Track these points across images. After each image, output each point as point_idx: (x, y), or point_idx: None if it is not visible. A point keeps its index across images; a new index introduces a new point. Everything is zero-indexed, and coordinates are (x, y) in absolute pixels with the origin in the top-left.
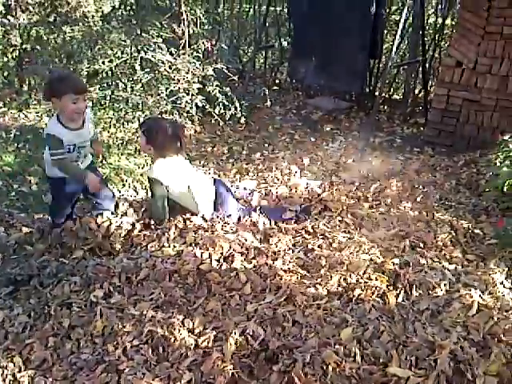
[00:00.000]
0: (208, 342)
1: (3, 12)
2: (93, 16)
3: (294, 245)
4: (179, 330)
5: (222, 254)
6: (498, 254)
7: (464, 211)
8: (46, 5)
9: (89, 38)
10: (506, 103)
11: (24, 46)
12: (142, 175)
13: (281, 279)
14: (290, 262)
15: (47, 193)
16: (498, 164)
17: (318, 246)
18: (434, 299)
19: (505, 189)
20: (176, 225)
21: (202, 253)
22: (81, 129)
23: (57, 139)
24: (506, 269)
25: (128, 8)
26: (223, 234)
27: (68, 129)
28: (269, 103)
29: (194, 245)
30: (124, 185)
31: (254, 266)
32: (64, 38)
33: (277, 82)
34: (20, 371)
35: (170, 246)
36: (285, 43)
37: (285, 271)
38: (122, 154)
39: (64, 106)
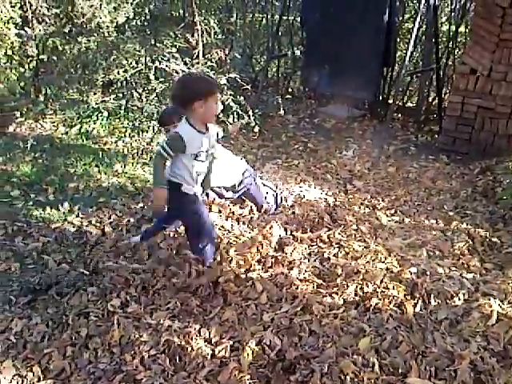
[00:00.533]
0: (225, 352)
1: (20, 23)
2: (107, 26)
3: (309, 254)
4: (196, 340)
5: (237, 262)
6: None
7: (481, 219)
8: (62, 16)
9: (104, 49)
10: None
11: (40, 57)
12: None
13: (297, 288)
14: (305, 271)
15: (64, 202)
16: None
17: (334, 255)
18: (453, 308)
19: None
20: None
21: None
22: (207, 132)
23: (181, 141)
24: None
25: (142, 18)
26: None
27: (201, 133)
28: (282, 112)
29: None
30: (139, 193)
31: (270, 276)
32: (79, 48)
33: (290, 90)
34: (39, 381)
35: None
36: (297, 52)
37: (301, 280)
38: (137, 163)
39: (209, 107)
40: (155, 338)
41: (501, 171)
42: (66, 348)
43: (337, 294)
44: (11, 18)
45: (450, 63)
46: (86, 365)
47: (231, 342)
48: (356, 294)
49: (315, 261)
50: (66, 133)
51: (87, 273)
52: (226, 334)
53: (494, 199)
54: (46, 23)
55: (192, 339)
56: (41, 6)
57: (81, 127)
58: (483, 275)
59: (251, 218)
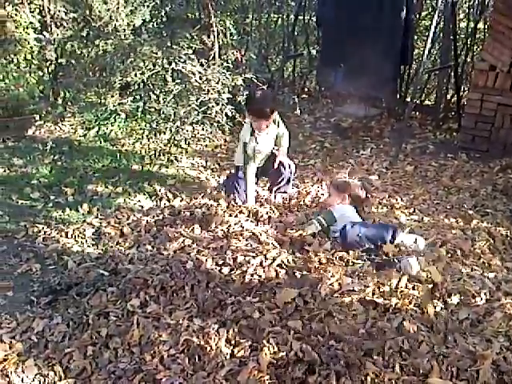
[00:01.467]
0: (244, 352)
1: (39, 28)
2: (124, 29)
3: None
4: (215, 340)
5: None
6: None
7: (501, 218)
8: (80, 20)
9: (121, 51)
10: None
11: (59, 61)
12: (174, 185)
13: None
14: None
15: (83, 203)
16: None
17: None
18: (474, 308)
19: None
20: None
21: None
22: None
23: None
24: None
25: (158, 21)
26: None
27: None
28: (298, 111)
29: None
30: (157, 194)
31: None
32: (97, 51)
33: (306, 90)
34: (60, 380)
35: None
36: (313, 51)
37: None
38: (154, 165)
39: None
40: (174, 337)
41: None
42: (86, 348)
43: (356, 294)
44: (30, 23)
45: (469, 60)
46: (106, 364)
47: (250, 343)
48: (375, 294)
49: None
50: (85, 135)
51: (107, 273)
52: (245, 334)
53: None
54: (64, 27)
55: (211, 339)
56: (59, 11)
57: (99, 129)
58: (505, 274)
59: (269, 217)
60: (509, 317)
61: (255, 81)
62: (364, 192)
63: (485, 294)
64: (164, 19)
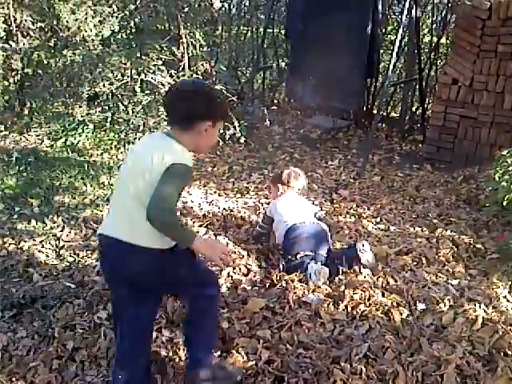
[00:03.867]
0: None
1: (4, 37)
2: (93, 40)
3: None
4: (184, 350)
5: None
6: (500, 269)
7: (465, 226)
8: (47, 29)
9: (89, 62)
10: (502, 119)
11: (25, 71)
12: None
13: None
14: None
15: (49, 215)
16: (497, 179)
17: None
18: (439, 314)
19: (504, 203)
20: None
21: None
22: None
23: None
24: (510, 283)
25: (127, 32)
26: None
27: None
28: (268, 123)
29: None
30: None
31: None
32: (65, 61)
33: (275, 101)
34: None
35: None
36: (282, 64)
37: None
38: None
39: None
40: None
41: (483, 179)
42: (52, 361)
43: (324, 302)
44: None
45: (433, 74)
46: (72, 378)
47: (219, 352)
48: (342, 302)
49: None
50: (51, 146)
51: (73, 285)
52: None
53: (477, 206)
54: (31, 37)
55: (179, 350)
56: (25, 20)
57: (66, 140)
58: (468, 281)
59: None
60: (471, 322)
61: (225, 92)
62: (304, 180)
63: (449, 300)
64: (133, 30)
